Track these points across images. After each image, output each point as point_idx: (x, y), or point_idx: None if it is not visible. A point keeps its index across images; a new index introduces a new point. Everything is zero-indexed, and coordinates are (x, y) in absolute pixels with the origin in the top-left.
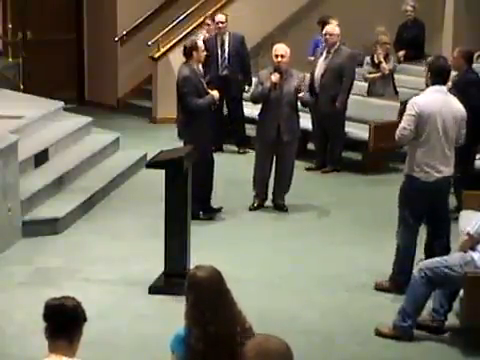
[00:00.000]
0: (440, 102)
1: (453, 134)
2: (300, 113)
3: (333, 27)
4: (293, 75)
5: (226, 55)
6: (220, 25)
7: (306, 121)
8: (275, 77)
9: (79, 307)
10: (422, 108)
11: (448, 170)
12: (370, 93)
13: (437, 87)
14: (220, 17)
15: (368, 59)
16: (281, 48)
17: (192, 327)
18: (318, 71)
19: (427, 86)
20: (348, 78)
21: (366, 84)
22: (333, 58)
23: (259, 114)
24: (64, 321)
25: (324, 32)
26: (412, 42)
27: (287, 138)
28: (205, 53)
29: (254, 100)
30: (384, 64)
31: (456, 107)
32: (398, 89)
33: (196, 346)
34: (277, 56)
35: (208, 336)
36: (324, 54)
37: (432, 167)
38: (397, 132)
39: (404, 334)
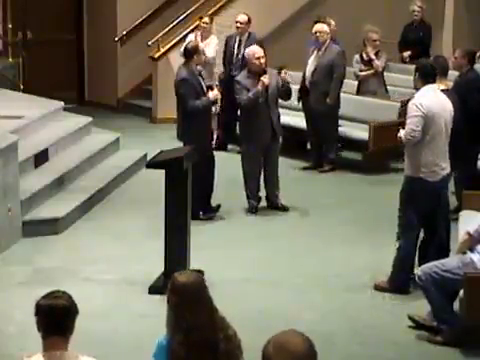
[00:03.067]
0: (439, 102)
1: (449, 131)
2: (297, 112)
3: (322, 25)
4: (269, 73)
5: (240, 56)
6: (238, 25)
7: (302, 120)
8: (267, 80)
9: (70, 303)
10: (428, 108)
11: (449, 167)
12: (360, 91)
13: (430, 87)
14: (241, 17)
15: (357, 57)
16: (260, 50)
17: (174, 332)
18: (309, 69)
19: (416, 88)
20: (339, 75)
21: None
22: (323, 55)
23: (247, 117)
24: (56, 320)
25: (314, 31)
26: (418, 42)
27: (279, 135)
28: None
29: (250, 105)
30: (376, 61)
31: (449, 104)
32: (403, 89)
33: (178, 351)
34: (259, 58)
35: (190, 342)
36: (315, 52)
37: (438, 166)
38: (405, 135)
39: (451, 334)
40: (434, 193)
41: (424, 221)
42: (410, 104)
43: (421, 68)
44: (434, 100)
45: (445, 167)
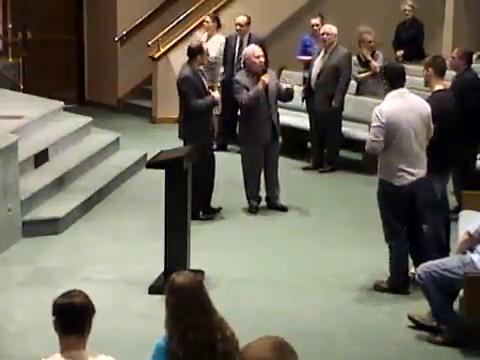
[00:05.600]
0: (404, 106)
1: (423, 134)
2: (297, 112)
3: (330, 26)
4: (269, 72)
5: (242, 56)
6: (238, 27)
7: (303, 120)
8: (267, 78)
9: (88, 302)
10: (388, 117)
11: (422, 172)
12: (360, 92)
13: (397, 91)
14: (240, 19)
15: (355, 59)
16: (259, 49)
17: (172, 333)
18: (314, 70)
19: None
20: (345, 78)
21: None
22: (330, 57)
23: (247, 117)
24: (75, 319)
25: (321, 32)
26: (410, 41)
27: (278, 135)
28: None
29: (250, 104)
30: (374, 62)
31: (420, 106)
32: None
33: (177, 352)
34: (258, 57)
35: (188, 343)
36: (321, 53)
37: (405, 171)
38: (366, 144)
39: (451, 334)
40: (402, 197)
41: (405, 221)
42: (373, 111)
43: (387, 72)
44: (398, 105)
45: (415, 173)
